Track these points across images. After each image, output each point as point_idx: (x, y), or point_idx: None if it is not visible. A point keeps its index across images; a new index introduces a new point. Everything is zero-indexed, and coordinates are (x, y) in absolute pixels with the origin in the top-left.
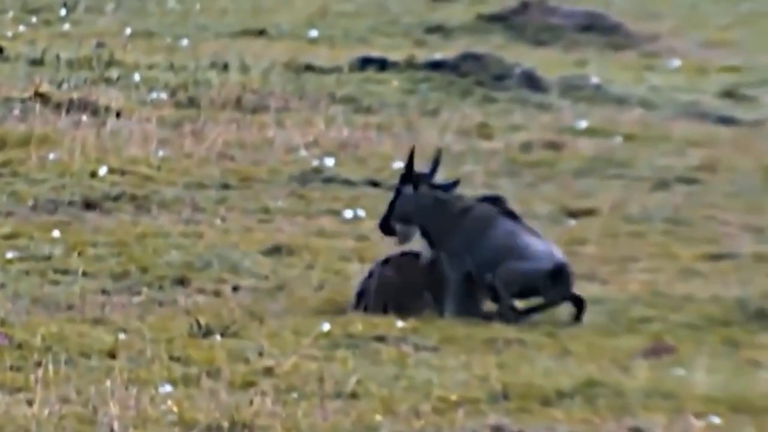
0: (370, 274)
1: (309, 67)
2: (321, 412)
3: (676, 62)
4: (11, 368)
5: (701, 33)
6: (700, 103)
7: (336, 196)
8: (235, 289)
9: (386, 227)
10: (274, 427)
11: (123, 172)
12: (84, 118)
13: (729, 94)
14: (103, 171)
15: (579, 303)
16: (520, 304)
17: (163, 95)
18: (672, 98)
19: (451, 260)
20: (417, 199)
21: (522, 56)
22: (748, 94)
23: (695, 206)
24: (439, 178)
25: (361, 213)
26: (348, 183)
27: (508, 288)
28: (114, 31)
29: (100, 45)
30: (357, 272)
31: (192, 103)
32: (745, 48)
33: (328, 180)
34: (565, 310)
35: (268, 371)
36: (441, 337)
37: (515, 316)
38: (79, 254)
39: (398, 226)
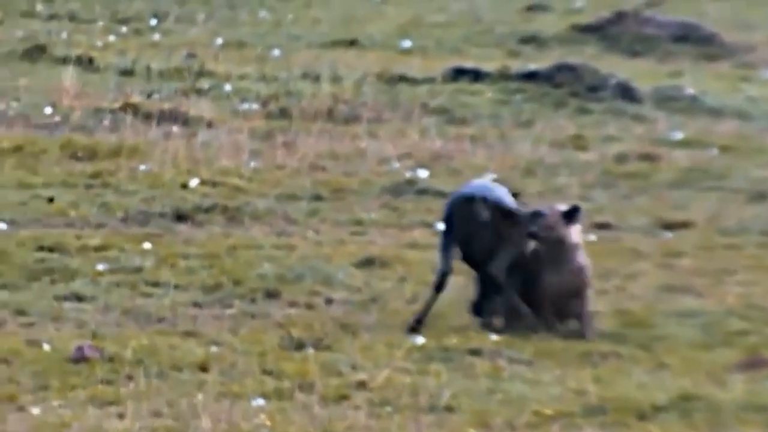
0: None
1: (402, 78)
2: (415, 426)
3: None
4: (102, 381)
5: None
6: None
7: (429, 207)
8: (328, 301)
9: None
10: None
11: (214, 184)
12: (175, 128)
13: None
14: (194, 182)
15: None
16: None
17: (255, 106)
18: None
19: None
20: None
21: (616, 67)
22: None
23: None
24: (534, 190)
25: None
26: (441, 195)
27: None
28: (205, 41)
29: (190, 55)
30: (450, 284)
31: (283, 113)
32: None
33: (421, 192)
34: (663, 323)
35: (361, 384)
36: (535, 350)
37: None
38: (171, 266)
39: None
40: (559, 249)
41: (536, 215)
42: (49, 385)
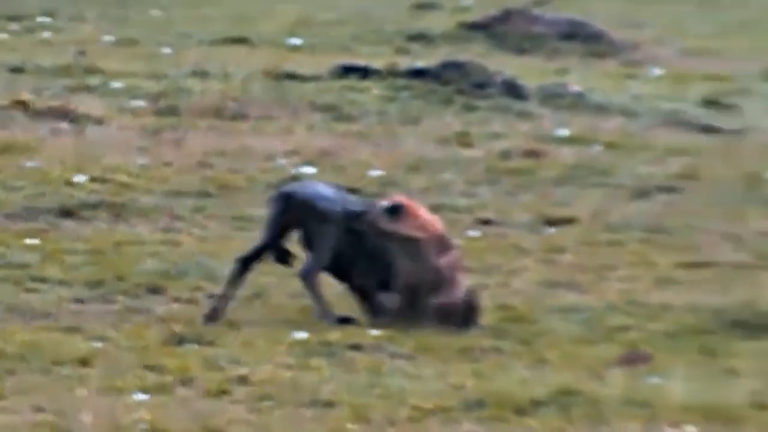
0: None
1: (289, 75)
2: (295, 420)
3: (658, 71)
4: None
5: (683, 41)
6: (681, 112)
7: None
8: (211, 297)
9: None
10: None
11: (102, 180)
12: (64, 126)
13: (711, 102)
14: (81, 179)
15: None
16: None
17: (144, 103)
18: (653, 107)
19: None
20: None
21: (503, 64)
22: (730, 102)
23: (675, 215)
24: (419, 186)
25: None
26: None
27: None
28: (96, 38)
29: (80, 53)
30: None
31: (172, 111)
32: (727, 56)
33: None
34: (544, 318)
35: (243, 379)
36: (416, 345)
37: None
38: (56, 262)
39: None
40: (390, 244)
41: (352, 213)
42: None
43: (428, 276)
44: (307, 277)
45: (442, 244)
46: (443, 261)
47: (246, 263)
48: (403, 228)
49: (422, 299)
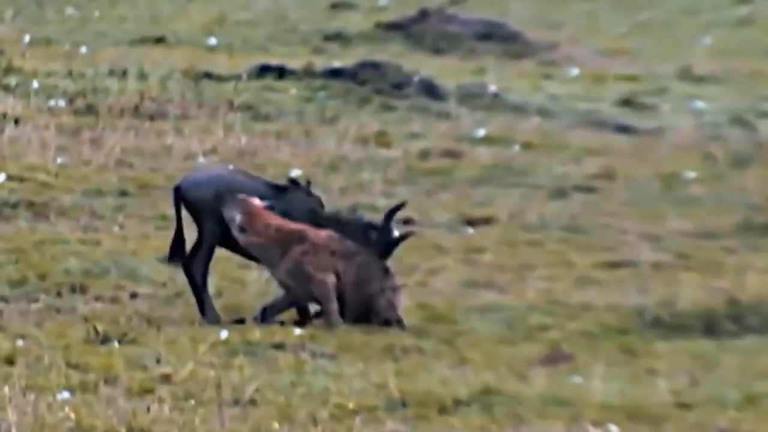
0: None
1: (207, 75)
2: (218, 419)
3: (574, 71)
4: None
5: (599, 42)
6: (597, 112)
7: None
8: (133, 296)
9: None
10: None
11: (21, 179)
12: None
13: (626, 102)
14: (1, 178)
15: None
16: None
17: (62, 102)
18: (570, 107)
19: None
20: None
21: (420, 64)
22: (646, 102)
23: (593, 215)
24: (338, 185)
25: None
26: None
27: None
28: (12, 38)
29: None
30: (254, 279)
31: (90, 110)
32: (643, 57)
33: None
34: (465, 318)
35: (166, 378)
36: (338, 344)
37: None
38: None
39: None
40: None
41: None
42: None
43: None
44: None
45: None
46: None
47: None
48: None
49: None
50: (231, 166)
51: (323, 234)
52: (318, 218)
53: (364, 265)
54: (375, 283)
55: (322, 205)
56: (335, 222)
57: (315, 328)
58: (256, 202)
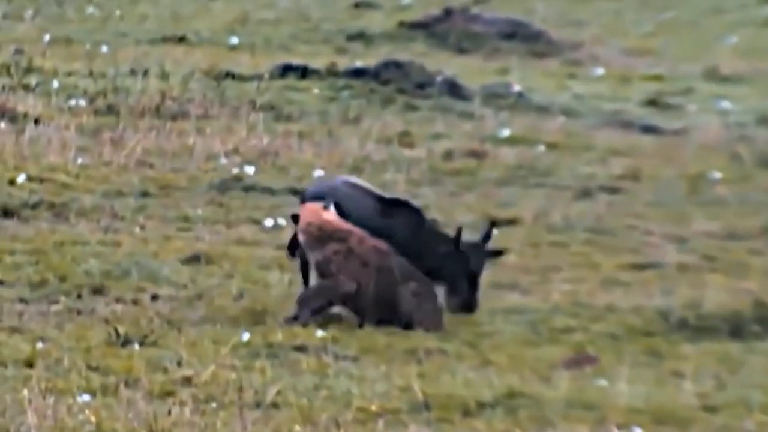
0: None
1: (229, 75)
2: (240, 422)
3: (599, 70)
4: None
5: (624, 41)
6: (623, 112)
7: (256, 204)
8: (154, 297)
9: None
10: None
11: (41, 180)
12: (2, 125)
13: (652, 102)
14: (21, 178)
15: None
16: None
17: (82, 102)
18: (595, 107)
19: None
20: None
21: (444, 64)
22: (671, 102)
23: (618, 216)
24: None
25: (282, 221)
26: (268, 191)
27: None
28: (33, 37)
29: (18, 51)
30: (277, 281)
31: (111, 110)
32: (668, 56)
33: (249, 188)
34: (489, 320)
35: (187, 381)
36: (361, 347)
37: None
38: None
39: None
40: None
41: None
42: None
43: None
44: None
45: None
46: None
47: None
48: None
49: None
50: (351, 178)
51: (369, 243)
52: (417, 237)
53: (391, 283)
54: (402, 305)
55: (427, 226)
56: (435, 240)
57: (338, 330)
58: (314, 205)
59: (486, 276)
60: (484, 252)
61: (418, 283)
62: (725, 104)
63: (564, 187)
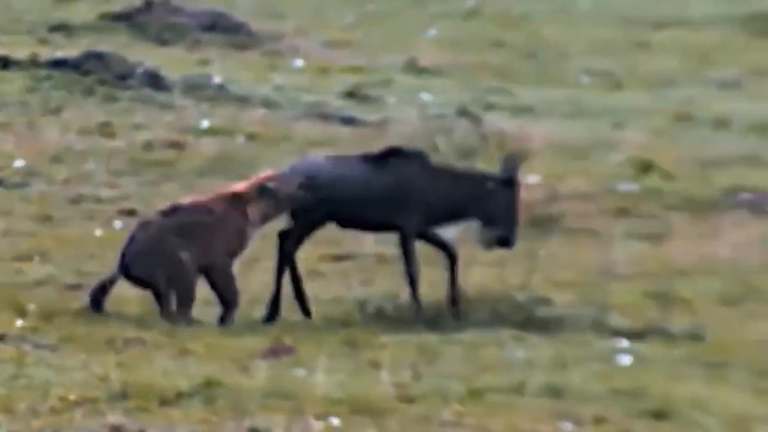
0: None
1: None
2: None
3: (299, 62)
4: None
5: (325, 33)
6: (322, 104)
7: None
8: None
9: None
10: None
11: None
12: None
13: (351, 94)
14: None
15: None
16: None
17: None
18: (294, 98)
19: None
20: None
21: (145, 55)
22: (371, 94)
23: None
24: (62, 176)
25: None
26: None
27: None
28: None
29: None
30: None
31: None
32: (368, 48)
33: None
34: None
35: None
36: (60, 336)
37: None
38: None
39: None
40: None
41: None
42: None
43: None
44: None
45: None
46: None
47: None
48: None
49: None
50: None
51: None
52: (431, 173)
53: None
54: None
55: (427, 158)
56: (450, 174)
57: (37, 319)
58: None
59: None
60: (518, 183)
61: None
62: (425, 96)
63: None
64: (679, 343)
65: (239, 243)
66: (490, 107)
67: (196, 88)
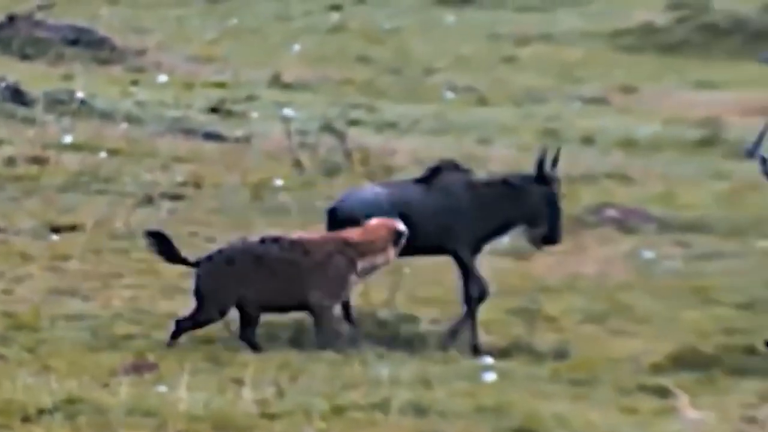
0: None
1: None
2: None
3: (163, 77)
4: None
5: (189, 48)
6: (185, 119)
7: None
8: None
9: None
10: None
11: None
12: None
13: (215, 109)
14: None
15: None
16: None
17: None
18: (158, 113)
19: None
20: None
21: (8, 70)
22: (234, 109)
23: (180, 222)
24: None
25: None
26: None
27: None
28: None
29: None
30: None
31: None
32: (233, 63)
33: None
34: (50, 326)
35: None
36: None
37: None
38: None
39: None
40: None
41: None
42: None
43: None
44: None
45: None
46: None
47: None
48: None
49: None
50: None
51: None
52: (478, 188)
53: None
54: None
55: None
56: (499, 184)
57: None
58: None
59: (47, 282)
60: (556, 179)
61: None
62: (288, 111)
63: (127, 193)
64: (544, 360)
65: None
66: (354, 123)
67: (58, 103)
